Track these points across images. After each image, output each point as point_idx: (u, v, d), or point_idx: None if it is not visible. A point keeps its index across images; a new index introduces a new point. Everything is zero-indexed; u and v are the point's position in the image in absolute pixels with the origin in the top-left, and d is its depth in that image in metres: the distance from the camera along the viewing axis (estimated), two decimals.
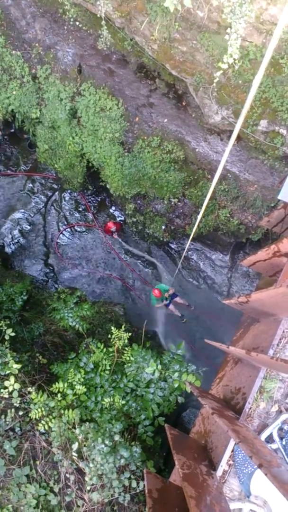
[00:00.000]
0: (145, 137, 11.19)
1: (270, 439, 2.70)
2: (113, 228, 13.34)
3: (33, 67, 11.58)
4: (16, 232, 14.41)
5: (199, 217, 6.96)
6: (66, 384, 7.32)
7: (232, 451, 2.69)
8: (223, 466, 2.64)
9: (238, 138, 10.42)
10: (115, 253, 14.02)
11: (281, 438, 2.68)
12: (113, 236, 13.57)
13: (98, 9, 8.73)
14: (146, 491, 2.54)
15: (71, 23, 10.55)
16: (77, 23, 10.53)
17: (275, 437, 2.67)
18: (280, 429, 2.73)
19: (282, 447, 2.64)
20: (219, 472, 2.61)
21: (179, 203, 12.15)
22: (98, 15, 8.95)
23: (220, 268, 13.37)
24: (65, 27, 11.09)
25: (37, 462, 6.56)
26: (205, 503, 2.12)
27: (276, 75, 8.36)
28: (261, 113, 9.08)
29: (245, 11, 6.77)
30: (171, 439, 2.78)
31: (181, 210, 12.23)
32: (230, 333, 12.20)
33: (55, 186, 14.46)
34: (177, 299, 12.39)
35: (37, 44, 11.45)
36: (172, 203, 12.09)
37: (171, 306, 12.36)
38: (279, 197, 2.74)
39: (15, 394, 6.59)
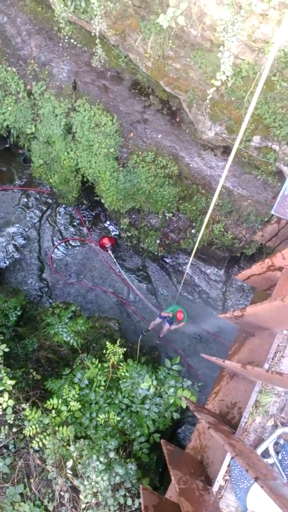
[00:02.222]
0: (140, 152, 11.28)
1: (266, 454, 2.69)
2: (108, 245, 13.31)
3: (28, 83, 11.68)
4: (10, 246, 14.38)
5: (201, 233, 7.00)
6: (60, 401, 7.25)
7: (228, 466, 2.67)
8: (219, 481, 2.62)
9: None
10: (110, 268, 14.02)
11: (277, 453, 2.67)
12: (108, 251, 13.57)
13: (93, 27, 8.85)
14: (143, 507, 2.51)
15: (66, 40, 10.68)
16: (72, 40, 10.66)
17: (271, 451, 2.66)
18: (276, 443, 2.72)
19: (278, 461, 2.62)
20: (215, 488, 2.59)
21: (173, 218, 12.21)
22: (93, 33, 9.07)
23: (215, 282, 13.40)
24: (60, 44, 11.22)
25: (31, 480, 6.47)
26: None
27: (268, 92, 8.48)
28: (254, 129, 9.19)
29: (238, 30, 6.89)
30: (167, 454, 2.76)
31: (176, 225, 12.29)
32: (224, 347, 12.21)
33: (50, 201, 14.49)
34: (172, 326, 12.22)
35: (32, 61, 11.57)
36: (167, 217, 12.15)
37: (172, 326, 12.19)
38: (272, 212, 2.77)
39: (9, 410, 6.52)
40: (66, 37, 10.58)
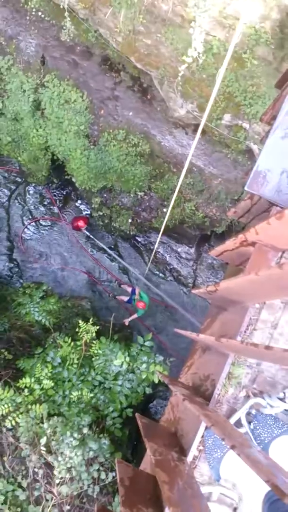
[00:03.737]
0: (111, 130, 11.14)
1: (238, 424, 2.77)
2: (81, 223, 13.21)
3: None
4: None
5: (168, 211, 7.03)
6: (33, 379, 7.25)
7: (202, 437, 2.75)
8: (193, 451, 2.69)
9: (203, 132, 10.51)
10: (82, 248, 13.94)
11: (249, 423, 2.75)
12: (81, 230, 13.44)
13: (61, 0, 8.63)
14: (118, 479, 2.56)
15: (34, 13, 10.36)
16: (40, 13, 10.34)
17: (243, 421, 2.75)
18: (248, 413, 2.80)
19: (250, 431, 2.71)
20: (189, 458, 2.67)
21: (145, 197, 12.18)
22: (61, 6, 8.83)
23: (186, 260, 13.52)
24: (28, 17, 10.87)
25: (4, 458, 6.49)
26: (178, 487, 2.16)
27: (239, 70, 8.47)
28: (225, 107, 9.19)
29: (209, 5, 6.83)
30: (142, 427, 2.81)
31: (147, 204, 12.27)
32: (193, 323, 12.41)
33: (19, 180, 14.21)
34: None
35: None
36: (139, 196, 12.12)
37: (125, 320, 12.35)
38: (245, 188, 2.80)
39: None
40: (34, 10, 10.25)
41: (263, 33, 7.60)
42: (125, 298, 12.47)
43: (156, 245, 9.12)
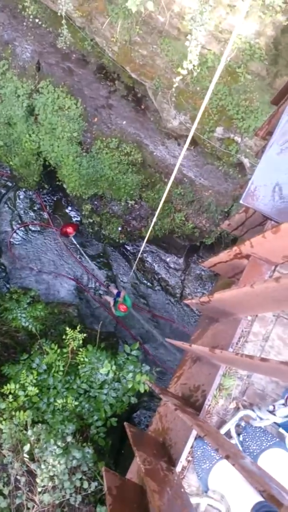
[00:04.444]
0: (104, 138, 11.18)
1: (227, 435, 2.78)
2: (70, 229, 13.21)
3: None
4: None
5: (154, 219, 7.07)
6: (17, 386, 7.18)
7: (191, 447, 2.75)
8: (182, 462, 2.69)
9: (195, 143, 10.61)
10: (70, 254, 13.90)
11: (238, 434, 2.77)
12: (69, 237, 13.43)
13: (59, 7, 8.65)
14: (106, 488, 2.55)
15: (31, 19, 10.40)
16: (37, 20, 10.38)
17: (233, 433, 2.76)
18: (238, 425, 2.82)
19: (239, 442, 2.72)
20: (178, 468, 2.67)
21: (136, 205, 12.22)
22: (59, 14, 8.86)
23: (174, 270, 13.55)
24: (24, 24, 10.91)
25: None
26: (168, 496, 2.16)
27: (232, 84, 8.58)
28: (218, 120, 9.29)
29: (205, 19, 6.92)
30: (131, 436, 2.80)
31: (138, 212, 12.31)
32: (182, 333, 12.42)
33: (10, 184, 14.15)
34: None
35: None
36: (129, 205, 12.15)
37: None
38: (241, 201, 2.84)
39: None
40: (31, 16, 10.30)
41: (257, 48, 7.73)
42: (110, 300, 12.53)
43: (140, 251, 9.18)
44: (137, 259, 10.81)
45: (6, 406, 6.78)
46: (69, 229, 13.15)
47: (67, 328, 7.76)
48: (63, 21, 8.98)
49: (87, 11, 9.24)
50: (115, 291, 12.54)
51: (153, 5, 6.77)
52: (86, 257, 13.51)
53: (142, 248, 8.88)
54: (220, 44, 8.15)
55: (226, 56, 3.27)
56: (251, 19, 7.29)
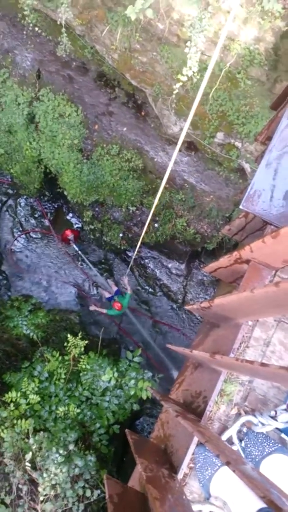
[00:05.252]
0: (104, 145, 11.22)
1: (229, 441, 2.76)
2: (71, 236, 13.22)
3: None
4: None
5: (148, 221, 7.09)
6: (19, 394, 7.15)
7: (193, 454, 2.73)
8: (183, 469, 2.67)
9: (196, 149, 10.64)
10: (71, 261, 13.90)
11: (240, 440, 2.74)
12: (70, 244, 13.44)
13: (59, 16, 8.71)
14: (107, 496, 2.53)
15: (31, 28, 10.45)
16: (37, 28, 10.44)
17: (235, 439, 2.74)
18: (239, 431, 2.80)
19: (241, 448, 2.70)
20: (180, 475, 2.64)
21: (137, 212, 12.23)
22: (58, 22, 8.92)
23: (176, 276, 13.53)
24: (24, 32, 10.96)
25: None
26: (169, 504, 2.14)
27: (233, 89, 8.61)
28: (218, 125, 9.31)
29: (205, 26, 6.96)
30: (133, 444, 2.78)
31: (139, 219, 12.32)
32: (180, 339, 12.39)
33: (10, 191, 14.17)
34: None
35: None
36: (130, 211, 12.16)
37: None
38: (241, 206, 2.84)
39: None
40: (31, 25, 10.34)
41: (257, 54, 7.75)
42: (107, 294, 12.50)
43: (134, 253, 9.23)
44: (132, 258, 10.78)
45: (8, 414, 6.75)
46: (70, 236, 13.15)
47: (69, 335, 7.73)
48: (63, 29, 9.03)
49: (87, 19, 9.29)
50: (114, 288, 12.53)
51: (152, 13, 6.81)
52: (89, 263, 13.49)
53: (137, 248, 8.87)
54: (220, 50, 8.18)
55: (215, 58, 3.29)
56: (250, 25, 7.32)
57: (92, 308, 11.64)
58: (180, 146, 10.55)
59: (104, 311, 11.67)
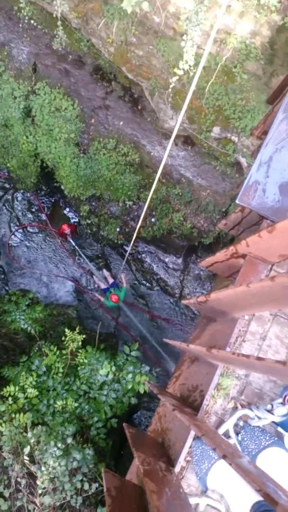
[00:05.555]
0: (101, 139, 11.19)
1: (226, 435, 2.78)
2: (68, 231, 13.22)
3: None
4: None
5: (142, 214, 7.08)
6: (17, 388, 7.16)
7: (190, 447, 2.75)
8: (181, 462, 2.69)
9: (192, 143, 10.62)
10: (69, 255, 13.89)
11: (236, 434, 2.77)
12: (67, 238, 13.44)
13: (54, 8, 8.64)
14: (105, 489, 2.55)
15: (26, 21, 10.38)
16: (33, 21, 10.37)
17: (231, 433, 2.76)
18: (236, 425, 2.82)
19: (238, 442, 2.72)
20: (177, 468, 2.66)
21: (134, 206, 12.22)
22: (54, 15, 8.86)
23: (173, 270, 13.55)
24: (20, 25, 10.89)
25: None
26: (166, 497, 2.16)
27: (229, 83, 8.59)
28: (214, 120, 9.30)
29: (201, 19, 6.92)
30: (130, 437, 2.80)
31: (136, 213, 12.31)
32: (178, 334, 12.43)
33: (7, 186, 14.14)
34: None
35: None
36: (127, 205, 12.15)
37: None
38: (237, 201, 2.84)
39: None
40: (27, 18, 10.28)
41: (253, 48, 7.73)
42: (102, 285, 12.59)
43: (129, 247, 9.27)
44: (128, 252, 10.80)
45: (6, 408, 6.78)
46: (66, 230, 13.16)
47: (66, 330, 7.75)
48: (59, 22, 8.97)
49: (83, 12, 9.24)
50: (110, 280, 12.61)
51: (148, 6, 6.77)
52: (85, 258, 13.50)
53: (132, 242, 8.88)
54: (216, 44, 8.15)
55: (207, 52, 3.28)
56: (246, 19, 7.29)
57: (90, 296, 11.89)
58: (176, 140, 10.53)
59: (102, 298, 11.81)
